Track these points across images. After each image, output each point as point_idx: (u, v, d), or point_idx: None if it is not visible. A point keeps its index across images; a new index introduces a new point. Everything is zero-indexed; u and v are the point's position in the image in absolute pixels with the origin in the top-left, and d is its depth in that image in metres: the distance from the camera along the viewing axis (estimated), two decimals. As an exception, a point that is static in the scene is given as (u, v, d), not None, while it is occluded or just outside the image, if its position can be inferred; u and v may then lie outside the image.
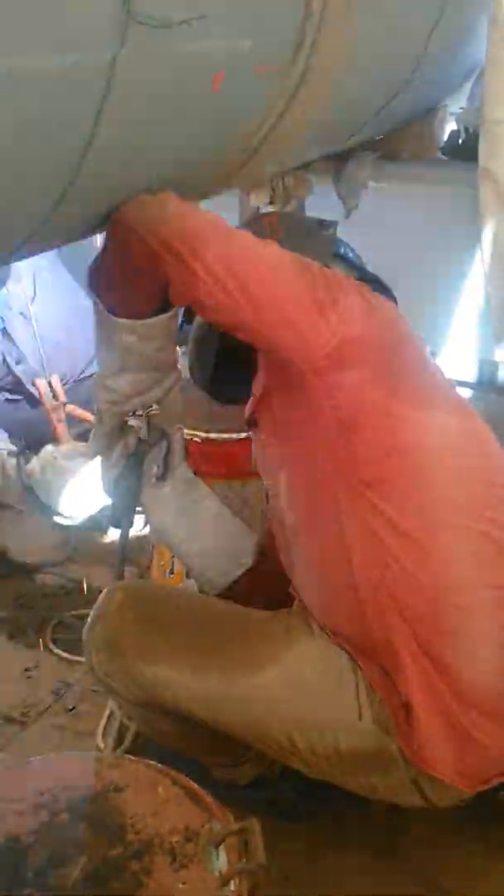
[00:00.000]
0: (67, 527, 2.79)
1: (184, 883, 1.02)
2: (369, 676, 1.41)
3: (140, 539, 2.34)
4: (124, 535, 1.60)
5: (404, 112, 2.19)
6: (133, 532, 1.63)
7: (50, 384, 3.00)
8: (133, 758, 1.25)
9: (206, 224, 1.30)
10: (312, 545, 1.46)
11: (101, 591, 1.62)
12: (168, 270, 1.28)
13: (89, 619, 1.57)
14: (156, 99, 1.04)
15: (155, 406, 1.48)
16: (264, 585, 1.67)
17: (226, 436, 2.04)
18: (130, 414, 1.49)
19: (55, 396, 2.99)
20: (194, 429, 2.02)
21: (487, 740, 1.38)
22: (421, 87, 2.02)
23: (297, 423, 1.44)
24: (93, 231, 1.35)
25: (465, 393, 1.54)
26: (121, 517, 1.57)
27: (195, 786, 1.16)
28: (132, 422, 1.50)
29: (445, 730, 1.36)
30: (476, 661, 1.39)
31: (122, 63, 0.89)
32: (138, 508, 1.57)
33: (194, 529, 1.58)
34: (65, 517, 2.80)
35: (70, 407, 3.01)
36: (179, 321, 1.49)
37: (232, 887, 1.02)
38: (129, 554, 1.89)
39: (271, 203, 2.02)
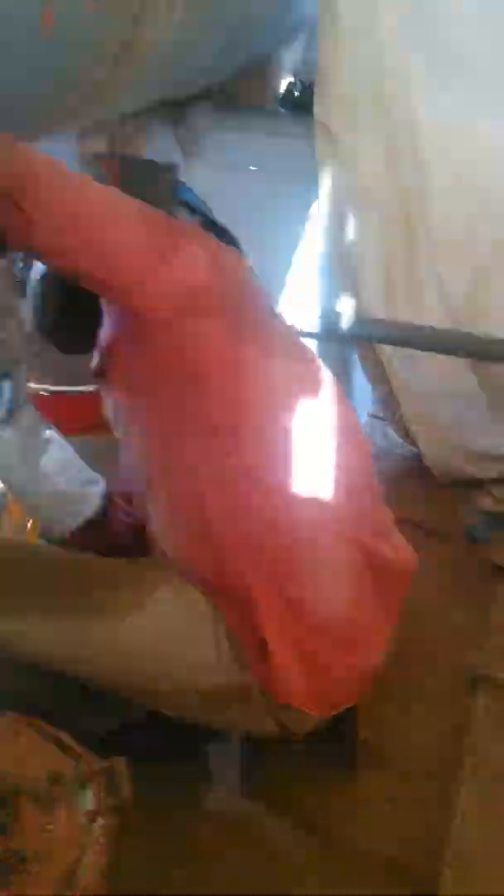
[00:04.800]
0: None
1: (50, 824, 1.03)
2: (225, 616, 1.45)
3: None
4: None
5: (241, 58, 2.19)
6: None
7: None
8: (-9, 711, 1.23)
9: (43, 167, 1.26)
10: (169, 493, 1.46)
11: None
12: (2, 214, 1.24)
13: None
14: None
15: None
16: (107, 537, 1.67)
17: (76, 388, 2.00)
18: None
19: None
20: (41, 382, 1.97)
21: (336, 668, 1.45)
22: (257, 29, 2.02)
23: (145, 373, 1.43)
24: None
25: (311, 343, 1.58)
26: None
27: (58, 732, 1.16)
28: None
29: (297, 662, 1.42)
30: (323, 593, 1.45)
31: None
32: None
33: (37, 473, 1.56)
34: None
35: None
36: (20, 265, 1.45)
37: (101, 822, 1.04)
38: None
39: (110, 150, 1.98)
